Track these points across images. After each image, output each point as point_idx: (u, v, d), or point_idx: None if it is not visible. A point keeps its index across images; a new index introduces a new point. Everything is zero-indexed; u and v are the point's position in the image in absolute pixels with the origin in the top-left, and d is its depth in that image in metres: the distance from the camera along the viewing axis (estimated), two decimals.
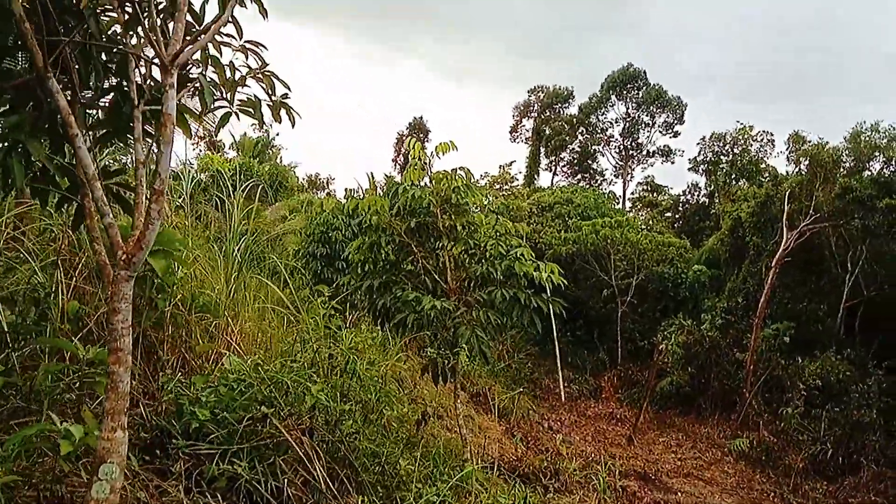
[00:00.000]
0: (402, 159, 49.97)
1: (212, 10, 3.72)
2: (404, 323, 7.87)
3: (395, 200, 8.84)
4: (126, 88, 3.56)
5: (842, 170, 24.59)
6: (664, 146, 52.71)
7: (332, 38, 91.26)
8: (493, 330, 8.10)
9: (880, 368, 18.58)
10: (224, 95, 4.16)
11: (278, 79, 4.11)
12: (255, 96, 4.14)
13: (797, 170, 26.65)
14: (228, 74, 4.01)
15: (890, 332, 19.84)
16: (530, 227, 28.01)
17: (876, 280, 21.05)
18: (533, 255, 8.32)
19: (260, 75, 4.07)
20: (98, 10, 3.37)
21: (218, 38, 3.95)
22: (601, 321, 27.37)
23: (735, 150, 38.80)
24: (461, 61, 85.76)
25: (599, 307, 27.07)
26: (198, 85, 3.88)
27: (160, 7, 3.48)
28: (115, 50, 3.27)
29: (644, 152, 53.46)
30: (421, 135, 52.00)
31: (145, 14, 3.16)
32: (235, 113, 4.22)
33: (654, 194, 49.06)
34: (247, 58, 4.07)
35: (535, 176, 52.20)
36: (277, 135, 40.69)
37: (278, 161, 37.78)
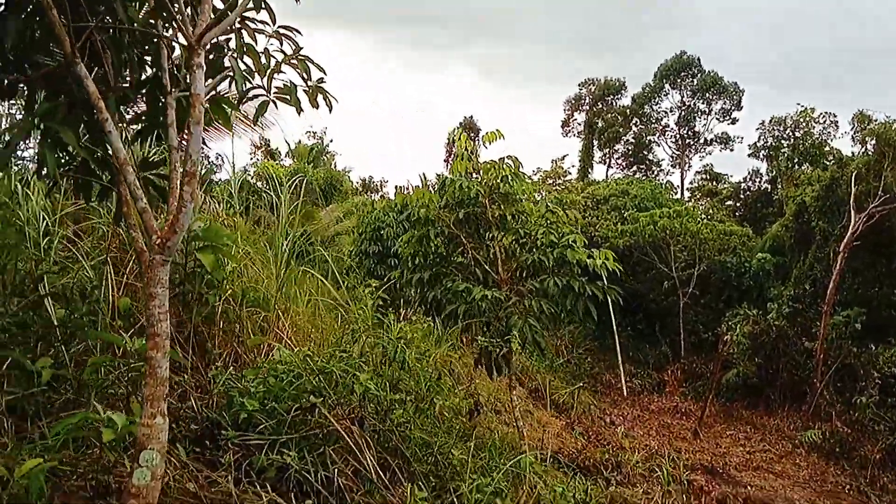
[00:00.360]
0: (452, 158, 49.98)
1: None
2: (455, 314, 7.76)
3: (444, 193, 8.76)
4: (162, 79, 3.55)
5: None
6: (722, 133, 51.17)
7: (382, 46, 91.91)
8: (547, 319, 7.91)
9: None
10: (261, 83, 4.12)
11: (313, 63, 4.04)
12: (292, 82, 4.08)
13: (863, 150, 25.40)
14: (263, 61, 3.96)
15: None
16: (585, 220, 27.59)
17: None
18: (585, 241, 8.10)
19: (294, 60, 4.01)
20: None
21: (252, 24, 3.91)
22: (662, 314, 26.74)
23: (797, 134, 37.35)
24: (509, 62, 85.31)
25: (660, 299, 26.44)
26: (233, 73, 3.85)
27: None
28: (138, 32, 3.25)
29: (701, 140, 52.00)
30: (472, 133, 51.86)
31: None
32: (273, 101, 4.18)
33: (714, 183, 47.62)
34: (281, 44, 4.02)
35: (589, 169, 51.37)
36: (331, 141, 41.30)
37: (332, 166, 38.28)
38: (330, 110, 4.20)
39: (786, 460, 16.01)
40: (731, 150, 50.94)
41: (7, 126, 3.24)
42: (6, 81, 3.14)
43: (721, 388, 20.93)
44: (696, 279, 25.58)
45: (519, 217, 8.65)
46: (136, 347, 3.84)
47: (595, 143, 52.88)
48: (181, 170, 2.85)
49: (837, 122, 36.45)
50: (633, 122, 53.44)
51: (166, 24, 3.57)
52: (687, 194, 48.98)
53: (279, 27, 3.95)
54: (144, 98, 3.84)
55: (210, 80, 3.65)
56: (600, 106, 54.42)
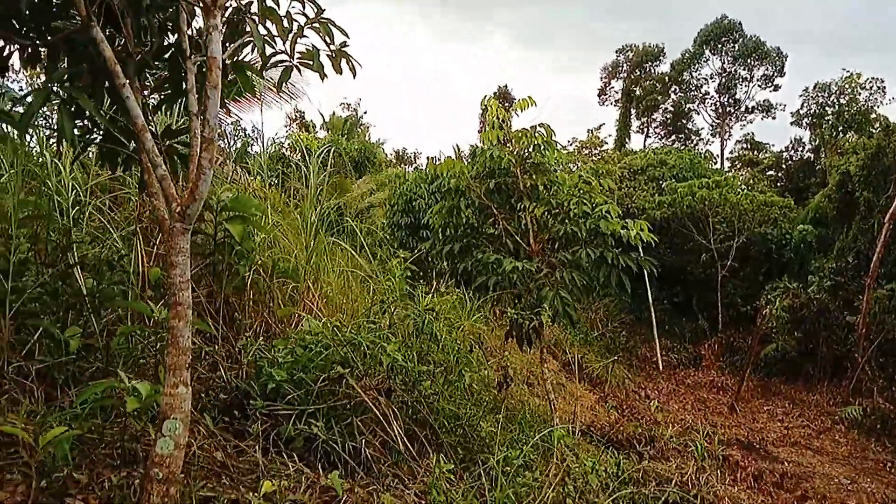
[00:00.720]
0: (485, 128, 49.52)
1: None
2: (486, 286, 7.68)
3: (475, 162, 8.63)
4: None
5: None
6: (764, 101, 49.73)
7: (410, 15, 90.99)
8: (579, 291, 7.77)
9: None
10: (284, 48, 4.03)
11: (336, 26, 3.93)
12: (314, 46, 3.98)
13: None
14: (286, 25, 3.86)
15: None
16: (621, 191, 27.15)
17: None
18: (620, 212, 7.91)
19: (317, 24, 3.90)
20: None
21: None
22: (700, 287, 26.29)
23: (841, 101, 36.12)
24: (544, 27, 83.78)
25: (698, 272, 25.97)
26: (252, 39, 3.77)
27: None
28: None
29: (742, 108, 50.63)
30: (506, 103, 51.27)
31: None
32: (297, 66, 4.09)
33: (755, 152, 46.33)
34: (304, 7, 3.91)
35: (626, 139, 50.45)
36: (365, 112, 41.22)
37: (367, 138, 38.25)
38: (354, 75, 4.09)
39: (824, 436, 15.74)
40: (773, 118, 49.62)
41: (28, 91, 3.21)
42: (28, 49, 3.11)
43: (759, 362, 20.61)
44: (736, 251, 25.03)
45: (551, 187, 8.47)
46: (164, 317, 3.84)
47: (633, 111, 51.89)
48: (200, 136, 2.79)
49: (885, 87, 35.16)
50: (672, 89, 52.19)
51: None
52: (727, 164, 47.85)
53: None
54: (167, 65, 3.79)
55: (231, 45, 3.57)
56: (638, 73, 53.26)
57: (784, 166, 40.71)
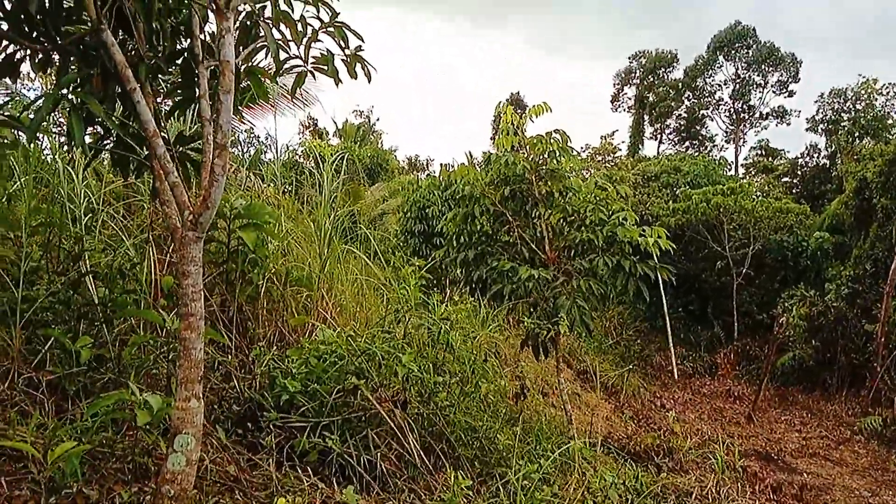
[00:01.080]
0: (499, 134, 49.47)
1: None
2: (501, 294, 7.56)
3: (489, 169, 8.53)
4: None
5: None
6: (778, 107, 49.40)
7: (431, 21, 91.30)
8: (596, 300, 7.64)
9: None
10: (298, 53, 3.96)
11: (351, 30, 3.86)
12: (329, 51, 3.91)
13: None
14: (300, 29, 3.79)
15: None
16: (635, 198, 26.96)
17: None
18: (637, 219, 7.77)
19: (332, 28, 3.83)
20: None
21: None
22: (715, 295, 26.01)
23: (858, 107, 35.82)
24: (558, 36, 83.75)
25: (713, 280, 25.69)
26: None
27: None
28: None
29: (756, 115, 50.35)
30: (518, 110, 51.20)
31: None
32: (311, 71, 4.02)
33: (770, 158, 45.93)
34: (318, 11, 3.84)
35: (640, 145, 50.24)
36: (378, 119, 41.32)
37: (379, 145, 38.31)
38: (369, 80, 4.02)
39: (844, 447, 15.44)
40: (788, 124, 49.33)
41: (38, 97, 3.15)
42: (39, 53, 3.04)
43: (776, 371, 20.33)
44: (751, 259, 24.76)
45: (567, 194, 8.35)
46: (176, 327, 3.76)
47: (646, 118, 51.68)
48: (212, 143, 2.71)
49: None
50: (686, 95, 51.98)
51: None
52: (741, 171, 47.48)
53: None
54: (179, 70, 3.73)
55: (244, 50, 3.50)
56: (651, 79, 53.07)
57: (799, 173, 40.32)
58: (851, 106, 36.26)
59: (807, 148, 40.03)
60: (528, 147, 8.41)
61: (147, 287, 4.71)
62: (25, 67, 3.28)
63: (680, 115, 52.62)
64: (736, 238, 25.28)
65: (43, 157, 5.66)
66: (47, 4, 2.88)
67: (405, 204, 15.23)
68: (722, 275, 25.55)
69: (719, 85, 50.92)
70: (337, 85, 3.96)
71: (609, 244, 7.84)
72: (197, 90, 3.05)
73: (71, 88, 2.95)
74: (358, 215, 13.75)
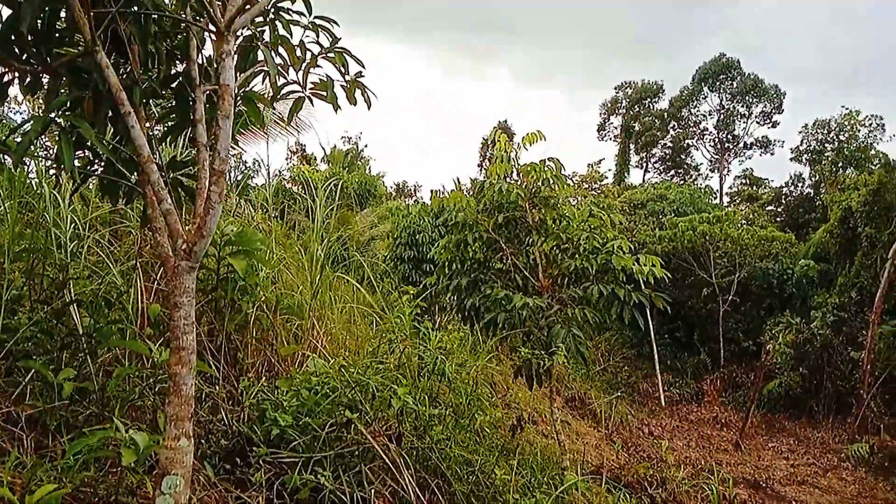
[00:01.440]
0: (488, 163, 49.73)
1: None
2: (495, 322, 7.45)
3: (482, 196, 8.47)
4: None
5: None
6: (762, 137, 50.21)
7: (418, 52, 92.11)
8: (591, 329, 7.55)
9: None
10: (296, 79, 3.88)
11: (351, 55, 3.79)
12: (329, 76, 3.83)
13: None
14: (299, 54, 3.72)
15: None
16: (621, 226, 27.05)
17: None
18: (631, 246, 7.72)
19: (332, 54, 3.76)
20: None
21: (286, 15, 3.68)
22: (701, 322, 26.13)
23: (841, 137, 36.43)
24: (544, 69, 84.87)
25: (699, 307, 25.80)
26: (266, 68, 3.62)
27: None
28: (166, 22, 3.02)
29: (741, 144, 51.09)
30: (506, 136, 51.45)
31: None
32: (309, 97, 3.93)
33: (754, 187, 46.47)
34: (318, 36, 3.77)
35: (626, 173, 50.62)
36: (366, 146, 41.40)
37: (367, 171, 38.31)
38: (369, 107, 3.94)
39: (832, 475, 15.39)
40: (772, 154, 50.08)
41: (26, 120, 3.03)
42: (28, 75, 2.93)
43: (762, 398, 20.32)
44: (737, 286, 24.92)
45: (560, 221, 8.31)
46: (163, 359, 3.62)
47: (632, 147, 52.18)
48: (209, 168, 2.60)
49: (884, 124, 35.56)
50: (671, 125, 52.64)
51: (197, 16, 3.33)
52: (726, 199, 48.00)
53: (315, 17, 3.70)
54: (174, 94, 3.63)
55: (242, 74, 3.41)
56: (637, 109, 53.71)
57: (784, 202, 40.78)
58: (835, 136, 36.91)
59: (791, 177, 40.57)
60: (521, 175, 8.37)
61: (133, 316, 4.55)
62: (13, 90, 3.18)
63: (665, 144, 53.25)
64: (722, 265, 25.45)
65: (28, 182, 5.52)
66: (39, 25, 2.78)
67: (395, 230, 15.15)
68: (708, 302, 25.65)
69: (704, 115, 51.69)
70: (336, 111, 3.87)
71: (603, 272, 7.78)
72: (192, 115, 2.95)
73: (61, 112, 2.83)
74: (348, 241, 13.65)
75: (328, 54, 3.78)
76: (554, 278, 8.19)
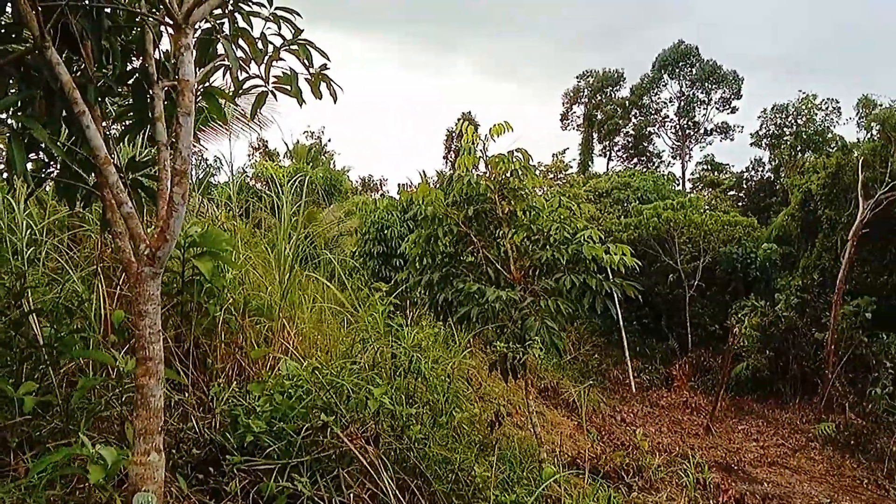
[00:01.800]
0: (453, 155, 49.61)
1: None
2: (468, 317, 7.37)
3: (450, 189, 8.38)
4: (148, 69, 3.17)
5: None
6: (722, 123, 51.08)
7: (374, 46, 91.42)
8: (564, 319, 7.52)
9: None
10: (259, 73, 3.74)
11: (315, 48, 3.66)
12: (292, 70, 3.70)
13: (869, 136, 25.03)
14: (260, 46, 3.58)
15: None
16: (588, 214, 27.24)
17: None
18: (601, 236, 7.71)
19: (295, 46, 3.62)
20: None
21: (246, 7, 3.54)
22: (668, 307, 26.41)
23: (799, 122, 37.14)
24: (506, 59, 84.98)
25: (666, 293, 26.08)
26: (227, 62, 3.48)
27: None
28: (120, 15, 2.87)
29: (701, 131, 51.88)
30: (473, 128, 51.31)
31: None
32: (272, 92, 3.80)
33: (716, 173, 47.21)
34: (279, 28, 3.64)
35: (590, 162, 51.03)
36: (329, 140, 41.00)
37: (331, 166, 37.93)
38: (335, 100, 3.82)
39: (800, 454, 15.70)
40: (732, 139, 50.95)
41: None
42: None
43: (730, 381, 20.60)
44: (702, 271, 25.23)
45: (530, 212, 8.26)
46: (129, 368, 3.47)
47: (595, 135, 52.57)
48: (171, 169, 2.47)
49: (840, 108, 36.36)
50: (633, 113, 53.20)
51: (152, 9, 3.18)
52: (689, 185, 48.68)
53: (276, 9, 3.57)
54: (130, 91, 3.46)
55: (202, 69, 3.27)
56: (599, 98, 54.14)
57: (745, 186, 41.51)
58: (793, 121, 37.59)
59: (751, 162, 41.36)
60: (490, 166, 8.30)
61: (96, 323, 4.37)
62: None
63: (628, 132, 53.80)
64: (686, 251, 25.76)
65: None
66: None
67: (363, 225, 14.97)
68: (674, 288, 25.94)
69: (665, 102, 52.36)
70: (301, 105, 3.75)
71: (574, 262, 7.75)
72: (151, 112, 2.81)
73: (11, 112, 2.67)
74: (315, 238, 13.44)
75: (291, 47, 3.65)
76: (525, 270, 8.14)
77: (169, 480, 3.52)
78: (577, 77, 55.45)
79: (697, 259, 25.44)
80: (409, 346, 5.41)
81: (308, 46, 3.64)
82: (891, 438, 15.36)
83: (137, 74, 3.35)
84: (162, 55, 3.32)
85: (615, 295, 7.57)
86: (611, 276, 7.81)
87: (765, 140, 39.14)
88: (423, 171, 16.52)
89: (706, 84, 49.77)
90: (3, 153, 4.65)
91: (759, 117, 39.18)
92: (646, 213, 25.87)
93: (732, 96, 49.81)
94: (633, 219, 26.51)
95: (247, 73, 3.73)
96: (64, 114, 3.03)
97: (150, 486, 2.44)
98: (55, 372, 3.84)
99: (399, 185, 34.40)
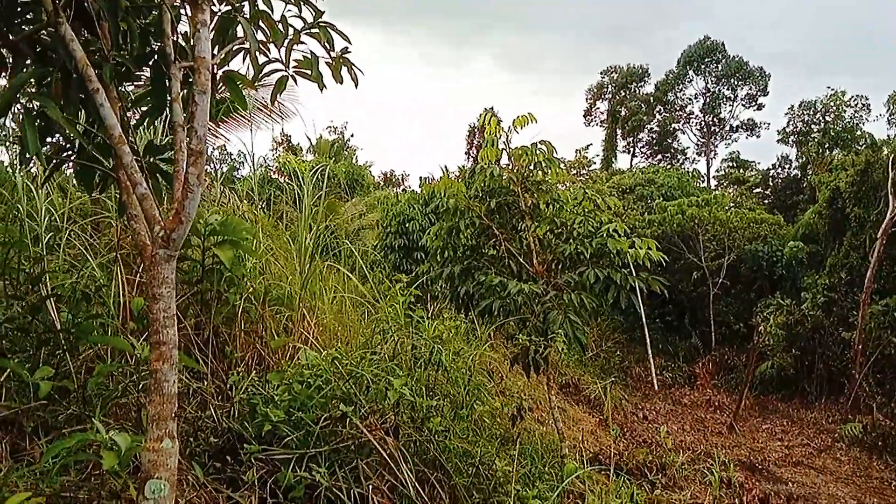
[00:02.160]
0: (476, 151, 49.44)
1: None
2: (489, 310, 7.27)
3: (473, 182, 8.29)
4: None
5: None
6: (748, 120, 50.23)
7: (397, 40, 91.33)
8: (587, 314, 7.39)
9: None
10: (279, 57, 3.67)
11: (337, 31, 3.58)
12: (313, 53, 3.62)
13: None
14: (281, 29, 3.51)
15: None
16: (611, 211, 26.97)
17: None
18: (627, 229, 7.57)
19: (315, 29, 3.55)
20: None
21: None
22: (692, 305, 26.15)
23: (827, 118, 36.50)
24: (528, 52, 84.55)
25: (689, 291, 25.80)
26: (247, 45, 3.41)
27: None
28: None
29: (727, 127, 51.14)
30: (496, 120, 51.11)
31: None
32: (292, 76, 3.73)
33: (741, 170, 46.54)
34: (300, 10, 3.56)
35: (613, 158, 50.56)
36: (352, 136, 41.10)
37: (354, 161, 38.00)
38: (356, 85, 3.73)
39: (826, 455, 15.44)
40: (758, 136, 50.18)
41: None
42: None
43: (755, 380, 20.34)
44: (727, 269, 24.94)
45: (553, 205, 8.14)
46: (146, 355, 3.42)
47: (618, 132, 52.04)
48: (186, 149, 2.40)
49: (870, 105, 35.64)
50: (657, 109, 52.57)
51: None
52: (713, 182, 48.07)
53: None
54: (150, 75, 3.41)
55: (221, 51, 3.20)
56: (623, 94, 53.60)
57: (771, 184, 40.92)
58: (821, 118, 36.96)
59: (778, 159, 40.72)
60: (513, 159, 8.19)
61: (115, 310, 4.34)
62: None
63: (652, 128, 53.24)
64: (711, 249, 25.48)
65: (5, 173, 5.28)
66: None
67: (385, 218, 14.93)
68: (698, 285, 25.66)
69: (690, 99, 51.68)
70: (321, 90, 3.67)
71: (598, 256, 7.63)
72: (168, 94, 2.75)
73: (24, 91, 2.62)
74: (336, 230, 13.43)
75: (312, 30, 3.57)
76: (548, 263, 8.02)
77: (185, 468, 3.48)
78: (601, 73, 54.99)
79: (722, 256, 25.14)
80: (430, 338, 5.33)
81: (329, 29, 3.56)
82: None
83: (156, 57, 3.30)
84: (180, 37, 3.27)
85: (645, 289, 7.43)
86: (632, 270, 7.68)
87: (792, 137, 38.55)
88: (445, 167, 16.48)
89: (732, 80, 49.05)
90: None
91: (786, 114, 38.65)
92: (670, 210, 25.58)
93: (759, 93, 49.07)
94: (657, 215, 26.23)
95: (267, 56, 3.67)
96: (82, 97, 2.98)
97: (163, 474, 2.38)
98: (73, 358, 3.82)
99: (420, 178, 34.39)
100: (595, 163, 49.07)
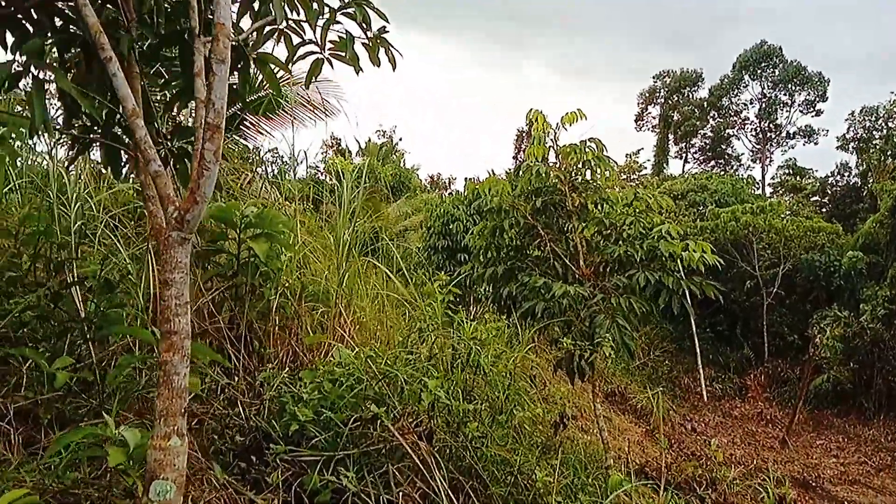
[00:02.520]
0: (522, 153, 49.09)
1: None
2: (532, 312, 7.00)
3: (518, 180, 8.05)
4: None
5: None
6: (806, 126, 48.73)
7: (449, 43, 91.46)
8: (636, 319, 7.06)
9: None
10: (314, 38, 3.49)
11: (374, 9, 3.37)
12: (348, 33, 3.42)
13: None
14: (315, 7, 3.32)
15: None
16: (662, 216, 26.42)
17: None
18: (680, 231, 7.21)
19: (351, 8, 3.35)
20: None
21: None
22: (744, 315, 25.49)
23: (890, 124, 35.12)
24: (580, 59, 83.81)
25: (742, 300, 25.12)
26: (282, 25, 3.24)
27: None
28: None
29: (783, 134, 49.69)
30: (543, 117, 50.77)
31: None
32: (328, 59, 3.54)
33: (798, 178, 45.05)
34: None
35: (665, 164, 49.53)
36: (400, 139, 41.27)
37: (401, 164, 38.11)
38: (394, 67, 3.52)
39: (885, 474, 14.91)
40: (816, 143, 48.67)
41: None
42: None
43: (809, 394, 19.66)
44: (781, 278, 24.22)
45: (602, 205, 7.83)
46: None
47: (670, 137, 51.02)
48: (203, 123, 2.22)
49: None
50: (711, 114, 51.42)
51: None
52: (768, 190, 46.68)
53: None
54: (179, 55, 3.26)
55: (249, 25, 3.03)
56: (676, 99, 52.58)
57: (829, 192, 39.64)
58: (883, 124, 35.66)
59: (837, 167, 39.44)
60: (560, 157, 7.90)
61: (144, 302, 4.22)
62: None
63: (705, 134, 52.13)
64: (765, 257, 24.84)
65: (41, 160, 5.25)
66: None
67: (429, 219, 14.84)
68: (751, 294, 25.00)
69: (745, 104, 50.45)
70: (357, 72, 3.47)
71: (649, 259, 7.29)
72: (191, 68, 2.58)
73: (36, 60, 2.47)
74: (380, 230, 13.34)
75: (347, 9, 3.37)
76: (596, 266, 7.72)
77: (205, 467, 3.32)
78: (654, 77, 54.00)
79: (777, 266, 24.43)
80: (469, 339, 5.09)
81: (365, 7, 3.36)
82: None
83: (185, 35, 3.14)
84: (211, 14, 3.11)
85: (698, 295, 7.07)
86: (682, 274, 7.34)
87: (852, 144, 37.27)
88: (492, 171, 16.35)
89: (789, 86, 47.59)
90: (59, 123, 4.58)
91: (846, 120, 37.45)
92: (723, 217, 24.99)
93: (817, 98, 47.52)
94: (710, 222, 25.62)
95: (301, 37, 3.49)
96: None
97: (170, 474, 2.20)
98: (101, 349, 3.69)
99: (466, 178, 34.24)
100: (646, 167, 48.24)
